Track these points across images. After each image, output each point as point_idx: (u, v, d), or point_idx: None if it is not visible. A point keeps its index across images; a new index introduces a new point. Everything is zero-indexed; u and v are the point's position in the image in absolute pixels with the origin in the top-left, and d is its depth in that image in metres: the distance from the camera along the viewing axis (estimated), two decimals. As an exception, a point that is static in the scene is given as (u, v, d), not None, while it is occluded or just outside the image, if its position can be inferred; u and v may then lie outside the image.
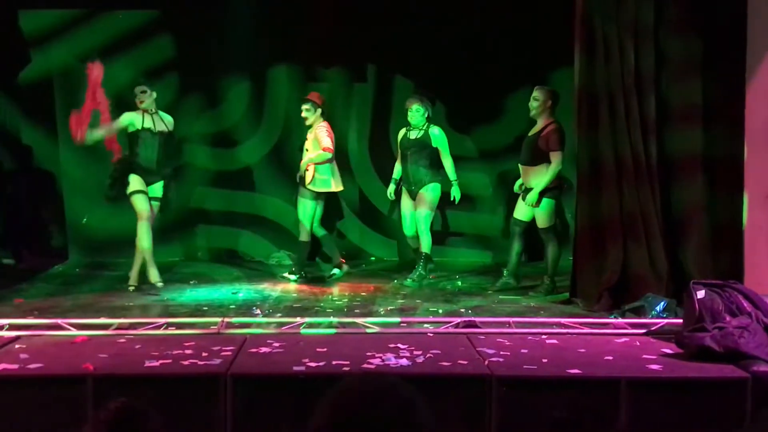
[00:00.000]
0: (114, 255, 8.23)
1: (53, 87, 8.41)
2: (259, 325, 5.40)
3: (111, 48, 8.14)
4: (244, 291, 6.88)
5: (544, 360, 4.48)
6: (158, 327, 5.24)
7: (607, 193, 6.07)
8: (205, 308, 6.10)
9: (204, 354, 4.50)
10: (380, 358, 4.44)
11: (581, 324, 5.41)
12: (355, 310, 6.03)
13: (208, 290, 6.89)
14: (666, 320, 5.39)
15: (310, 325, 5.32)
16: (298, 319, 5.43)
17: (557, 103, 6.74)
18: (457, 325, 5.36)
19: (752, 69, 5.80)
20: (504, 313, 5.89)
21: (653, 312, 5.62)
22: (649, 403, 4.12)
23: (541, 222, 6.76)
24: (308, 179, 7.21)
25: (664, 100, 6.02)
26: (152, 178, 6.82)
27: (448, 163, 7.24)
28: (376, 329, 5.27)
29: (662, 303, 5.66)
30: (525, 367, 4.35)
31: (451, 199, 7.31)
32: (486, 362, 4.41)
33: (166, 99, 7.58)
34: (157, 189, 6.88)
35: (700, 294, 4.65)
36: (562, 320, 5.52)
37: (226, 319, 5.37)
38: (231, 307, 6.16)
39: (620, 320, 5.53)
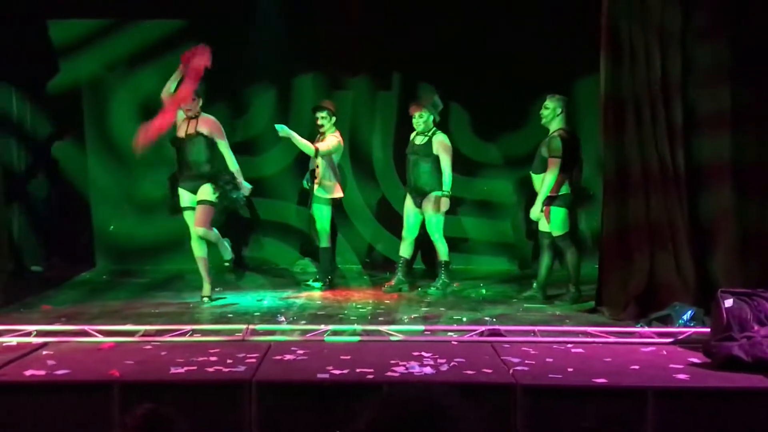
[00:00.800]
0: (140, 262, 8.32)
1: (82, 96, 8.53)
2: (283, 332, 5.41)
3: (138, 57, 8.26)
4: (268, 298, 6.90)
5: (570, 369, 4.44)
6: (184, 334, 5.28)
7: (633, 201, 6.02)
8: (230, 315, 6.14)
9: (229, 361, 4.52)
10: (404, 366, 4.43)
11: (607, 333, 5.36)
12: (379, 318, 6.02)
13: (232, 297, 6.92)
14: (693, 329, 5.33)
15: (334, 333, 5.33)
16: (322, 327, 5.45)
17: (568, 111, 6.71)
18: (481, 334, 5.34)
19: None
20: (529, 322, 5.86)
21: (680, 321, 5.56)
22: (676, 413, 4.07)
23: (555, 230, 6.73)
24: (315, 186, 7.25)
25: (691, 107, 5.96)
26: (194, 182, 6.57)
27: (446, 171, 7.00)
28: (400, 337, 5.26)
29: (689, 312, 5.60)
30: (550, 376, 4.31)
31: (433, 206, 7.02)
32: (511, 371, 4.38)
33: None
34: (205, 192, 6.52)
35: (728, 303, 4.59)
36: (588, 329, 5.47)
37: (251, 326, 5.40)
38: (255, 314, 6.19)
39: (647, 329, 5.48)
